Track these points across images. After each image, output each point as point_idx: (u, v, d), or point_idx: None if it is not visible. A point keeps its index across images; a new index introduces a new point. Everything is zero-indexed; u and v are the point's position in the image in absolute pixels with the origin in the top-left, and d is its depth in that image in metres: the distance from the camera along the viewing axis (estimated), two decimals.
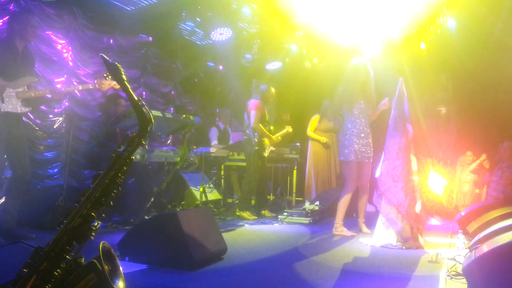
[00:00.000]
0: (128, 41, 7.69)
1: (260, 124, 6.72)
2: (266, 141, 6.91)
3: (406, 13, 7.70)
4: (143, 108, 1.88)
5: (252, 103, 6.81)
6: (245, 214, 6.63)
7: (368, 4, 7.42)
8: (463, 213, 5.18)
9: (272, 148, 7.18)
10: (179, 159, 6.13)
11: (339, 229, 5.33)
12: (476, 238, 3.72)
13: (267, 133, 6.86)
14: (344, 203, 5.34)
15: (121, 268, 1.83)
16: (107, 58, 1.96)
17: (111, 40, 7.34)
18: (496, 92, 8.06)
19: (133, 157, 1.88)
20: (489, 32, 7.84)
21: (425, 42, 8.21)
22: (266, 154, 6.95)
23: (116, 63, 1.95)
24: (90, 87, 4.82)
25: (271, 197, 8.67)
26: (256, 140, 6.74)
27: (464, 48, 8.03)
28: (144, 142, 1.88)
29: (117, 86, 4.68)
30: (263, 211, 6.86)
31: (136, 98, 1.88)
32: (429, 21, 7.89)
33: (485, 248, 3.09)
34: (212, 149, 7.40)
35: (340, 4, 7.45)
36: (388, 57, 8.32)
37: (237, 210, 6.79)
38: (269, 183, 8.27)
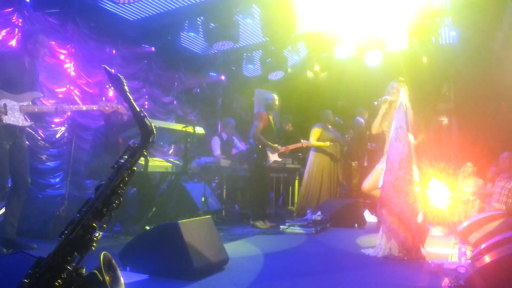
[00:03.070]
0: (130, 51, 7.75)
1: (260, 134, 6.74)
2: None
3: (408, 24, 7.74)
4: (145, 119, 1.90)
5: (257, 114, 6.88)
6: (258, 224, 6.66)
7: (370, 15, 7.46)
8: (465, 224, 5.16)
9: (277, 159, 7.13)
10: (181, 169, 6.14)
11: None
12: (478, 249, 3.71)
13: (268, 143, 6.86)
14: None
15: (122, 279, 1.83)
16: (110, 70, 1.98)
17: (114, 50, 7.40)
18: (497, 103, 8.08)
19: (135, 168, 1.89)
20: (490, 44, 7.87)
21: (426, 53, 8.24)
22: (268, 163, 6.93)
23: (119, 75, 1.96)
24: (94, 108, 4.83)
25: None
26: (257, 149, 6.75)
27: (466, 59, 8.07)
28: (146, 153, 1.90)
29: (122, 110, 4.72)
30: (256, 223, 6.76)
31: (138, 109, 1.90)
32: (431, 32, 7.91)
33: (487, 259, 3.09)
34: (215, 159, 7.41)
35: (342, 15, 7.49)
36: (390, 67, 8.35)
37: (251, 220, 6.81)
38: (271, 194, 8.24)
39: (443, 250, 5.01)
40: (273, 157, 7.04)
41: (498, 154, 6.84)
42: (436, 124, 9.50)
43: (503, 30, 7.29)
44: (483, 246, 3.72)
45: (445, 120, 9.61)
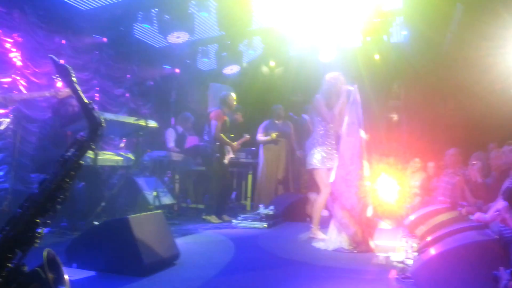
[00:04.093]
0: (81, 41, 7.50)
1: (221, 134, 6.74)
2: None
3: (361, 22, 7.88)
4: (93, 111, 1.84)
5: (213, 113, 6.83)
6: (211, 218, 6.66)
7: (325, 12, 7.54)
8: (412, 218, 5.32)
9: (232, 156, 7.19)
10: (132, 163, 6.02)
11: (316, 232, 5.41)
12: (424, 242, 3.84)
13: (228, 141, 6.90)
14: (320, 208, 5.44)
15: (67, 276, 1.77)
16: (57, 59, 1.90)
17: (64, 40, 7.14)
18: (445, 101, 8.35)
19: (82, 162, 1.83)
20: (440, 43, 8.14)
21: (378, 51, 8.42)
22: (226, 160, 6.96)
23: (66, 65, 1.89)
24: (47, 94, 4.64)
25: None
26: (217, 148, 6.75)
27: (416, 58, 8.30)
28: (93, 146, 1.84)
29: None
30: (223, 216, 6.84)
31: (85, 101, 1.84)
32: (383, 31, 8.09)
33: (433, 251, 3.19)
34: (168, 153, 7.32)
35: (298, 11, 7.54)
36: (343, 64, 8.49)
37: (203, 214, 6.80)
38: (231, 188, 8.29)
39: (391, 243, 5.15)
40: (230, 154, 7.09)
41: (443, 150, 7.09)
42: (387, 121, 9.74)
43: (452, 31, 7.54)
44: (428, 239, 3.85)
45: (395, 117, 9.86)
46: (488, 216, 3.81)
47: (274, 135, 7.74)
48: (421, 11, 7.12)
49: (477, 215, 3.99)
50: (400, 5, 7.80)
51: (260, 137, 7.88)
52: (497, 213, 3.61)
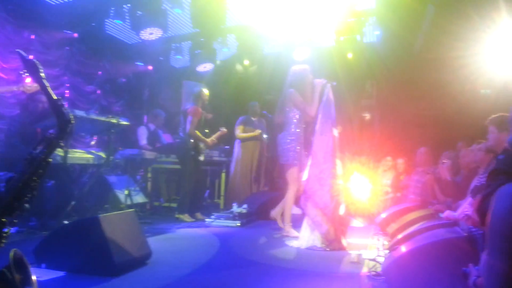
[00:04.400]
0: (51, 37, 7.35)
1: (196, 130, 6.68)
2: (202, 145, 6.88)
3: (335, 21, 7.94)
4: (62, 108, 1.80)
5: (190, 109, 6.76)
6: (183, 217, 6.59)
7: (299, 11, 7.57)
8: (383, 215, 5.39)
9: (207, 152, 7.15)
10: (103, 161, 5.93)
11: (288, 230, 5.43)
12: (395, 240, 3.88)
13: (203, 138, 6.83)
14: (290, 205, 5.46)
15: (34, 277, 1.73)
16: (24, 54, 1.86)
17: (33, 35, 6.97)
18: (417, 100, 8.48)
19: (50, 160, 1.78)
20: (412, 43, 8.27)
21: (352, 50, 8.50)
22: (202, 158, 6.91)
23: (34, 60, 1.85)
24: (14, 89, 4.51)
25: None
26: (192, 144, 6.69)
27: (388, 58, 8.41)
28: (62, 144, 1.80)
29: None
30: (196, 214, 6.79)
31: (54, 98, 1.80)
32: (356, 30, 8.17)
33: (404, 249, 3.23)
34: (140, 151, 7.24)
35: (273, 9, 7.54)
36: (317, 63, 8.54)
37: (176, 213, 6.71)
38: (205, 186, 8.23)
39: (363, 240, 5.21)
40: (205, 151, 7.05)
41: (414, 149, 7.20)
42: (359, 120, 9.84)
43: (424, 31, 7.67)
44: (399, 236, 3.90)
45: (367, 116, 9.98)
46: (457, 213, 3.88)
47: (258, 131, 7.74)
48: (394, 11, 7.21)
49: (447, 213, 4.07)
50: (373, 5, 7.89)
51: (240, 133, 7.83)
52: (466, 210, 3.68)
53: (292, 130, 5.41)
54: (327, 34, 8.62)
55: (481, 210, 1.85)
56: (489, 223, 1.05)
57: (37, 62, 1.85)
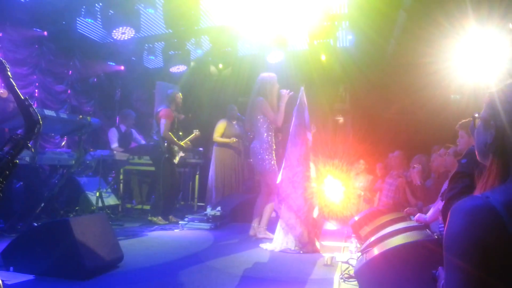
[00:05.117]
0: (20, 34, 7.16)
1: (170, 133, 6.61)
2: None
3: (309, 25, 7.98)
4: (30, 108, 1.75)
5: (162, 111, 6.67)
6: (157, 219, 6.52)
7: (273, 13, 7.58)
8: (356, 218, 5.43)
9: (182, 154, 7.06)
10: (74, 162, 5.81)
11: (263, 232, 5.45)
12: (367, 242, 3.92)
13: (177, 141, 6.75)
14: (271, 210, 5.52)
15: (1, 281, 1.67)
16: None
17: (1, 33, 6.79)
18: (389, 104, 8.58)
19: (17, 161, 1.73)
20: (384, 48, 8.37)
21: (325, 55, 8.55)
22: (176, 160, 6.84)
23: (0, 59, 1.79)
24: None
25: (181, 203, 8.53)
26: (166, 147, 6.62)
27: (361, 62, 8.49)
28: (29, 145, 1.75)
29: (4, 95, 4.36)
30: (170, 216, 6.72)
31: (22, 97, 1.75)
32: (330, 35, 8.22)
33: (375, 251, 3.26)
34: (111, 152, 7.12)
35: (247, 11, 7.53)
36: (291, 67, 8.57)
37: (149, 215, 6.63)
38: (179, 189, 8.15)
39: (337, 243, 5.25)
40: (180, 154, 6.98)
41: (387, 153, 7.29)
42: (333, 123, 9.92)
43: (396, 36, 7.78)
44: (372, 239, 3.93)
45: (341, 120, 10.06)
46: (428, 216, 3.94)
47: (234, 140, 7.71)
48: (366, 16, 7.28)
49: (418, 216, 4.12)
50: (346, 10, 7.96)
51: (217, 137, 7.78)
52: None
53: (264, 137, 5.43)
54: (301, 38, 8.66)
55: (446, 213, 1.87)
56: (444, 240, 1.05)
57: (4, 61, 1.80)
